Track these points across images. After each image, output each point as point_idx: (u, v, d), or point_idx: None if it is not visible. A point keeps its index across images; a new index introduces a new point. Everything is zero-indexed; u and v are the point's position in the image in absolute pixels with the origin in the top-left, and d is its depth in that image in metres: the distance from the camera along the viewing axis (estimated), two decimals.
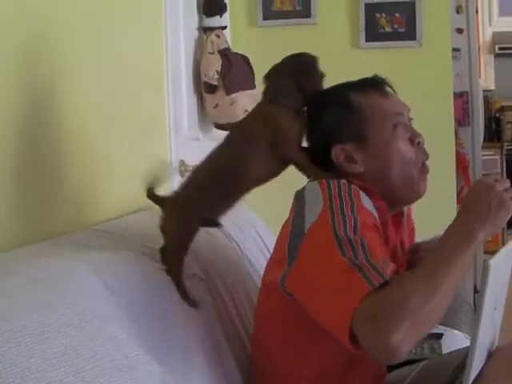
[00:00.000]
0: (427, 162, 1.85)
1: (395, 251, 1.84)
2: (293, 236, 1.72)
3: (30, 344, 1.19)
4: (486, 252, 5.52)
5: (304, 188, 1.78)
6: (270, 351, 1.82)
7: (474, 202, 1.59)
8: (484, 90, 6.64)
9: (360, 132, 1.80)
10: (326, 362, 1.74)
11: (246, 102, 3.53)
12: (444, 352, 2.24)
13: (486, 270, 1.50)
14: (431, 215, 3.16)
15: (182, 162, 3.27)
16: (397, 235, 1.86)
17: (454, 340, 2.39)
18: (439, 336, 2.33)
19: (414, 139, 1.82)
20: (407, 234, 1.95)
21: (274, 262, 1.82)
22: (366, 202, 1.70)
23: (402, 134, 1.81)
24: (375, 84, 1.85)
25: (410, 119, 1.87)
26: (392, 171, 1.79)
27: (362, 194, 1.70)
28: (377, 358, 1.53)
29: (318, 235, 1.65)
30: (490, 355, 1.72)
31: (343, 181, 1.72)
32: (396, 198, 1.81)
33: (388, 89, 1.87)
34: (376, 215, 1.71)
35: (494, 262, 1.52)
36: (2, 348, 1.15)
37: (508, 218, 1.59)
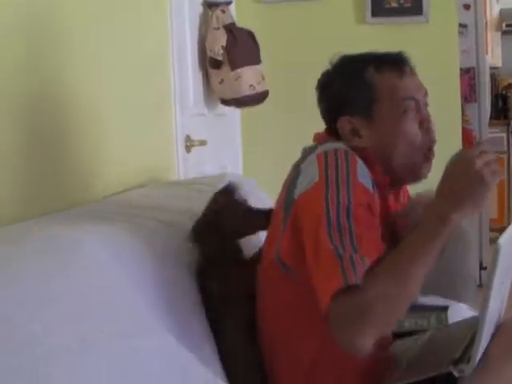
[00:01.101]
0: (434, 148, 1.82)
1: (395, 221, 1.85)
2: (286, 205, 1.74)
3: (35, 309, 1.21)
4: (491, 230, 5.53)
5: (301, 160, 1.78)
6: (273, 333, 1.81)
7: (450, 180, 1.56)
8: (491, 68, 6.60)
9: (369, 109, 1.79)
10: (327, 336, 1.74)
11: (251, 77, 3.53)
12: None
13: (496, 250, 1.50)
14: None
15: (188, 138, 3.28)
16: (396, 205, 1.87)
17: (460, 312, 2.40)
18: (445, 308, 2.34)
19: (424, 123, 1.80)
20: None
21: (269, 239, 1.83)
22: (363, 175, 1.68)
23: (411, 118, 1.78)
24: (395, 63, 1.83)
25: (426, 104, 1.84)
26: (396, 152, 1.77)
27: (360, 163, 1.69)
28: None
29: (308, 206, 1.66)
30: (496, 331, 1.72)
31: (341, 149, 1.71)
32: (396, 178, 1.80)
33: (408, 68, 1.84)
34: (371, 189, 1.69)
35: (504, 241, 1.52)
36: (8, 312, 1.16)
37: (488, 194, 1.54)
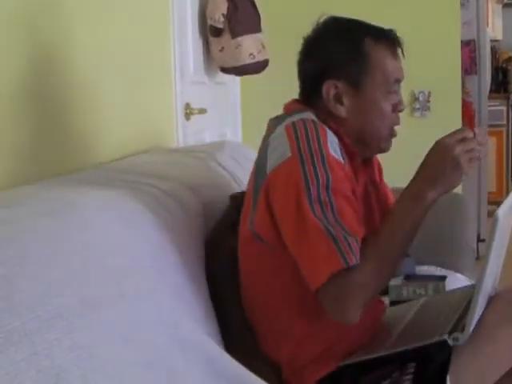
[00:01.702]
0: (396, 128, 1.85)
1: (366, 189, 1.90)
2: (256, 177, 1.75)
3: (36, 270, 1.20)
4: (490, 203, 5.55)
5: (269, 132, 1.78)
6: (253, 300, 1.82)
7: (430, 163, 1.65)
8: (491, 40, 6.58)
9: (358, 79, 1.78)
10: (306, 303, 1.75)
11: (252, 45, 3.52)
12: None
13: (494, 221, 1.53)
14: None
15: (188, 105, 3.27)
16: (366, 174, 1.91)
17: (457, 282, 2.41)
18: (443, 278, 2.35)
19: (398, 107, 1.83)
20: (376, 171, 2.00)
21: (243, 214, 1.83)
22: (333, 146, 1.69)
23: (391, 98, 1.81)
24: (392, 41, 1.83)
25: (400, 87, 1.87)
26: (369, 125, 1.80)
27: (329, 133, 1.70)
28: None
29: (283, 181, 1.66)
30: (491, 300, 1.75)
31: (309, 119, 1.72)
32: (363, 149, 1.82)
33: (400, 50, 1.85)
34: (342, 161, 1.71)
35: (502, 212, 1.55)
36: (8, 273, 1.15)
37: (461, 179, 1.63)
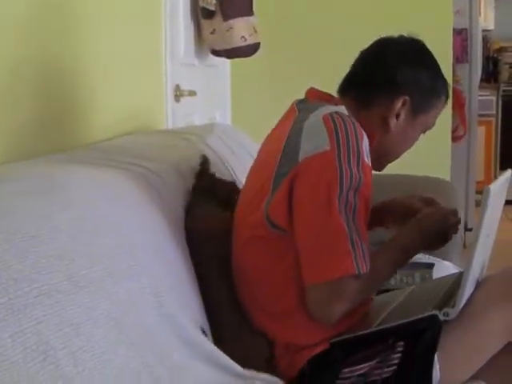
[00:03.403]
0: None
1: None
2: (282, 162, 1.72)
3: (23, 247, 1.18)
4: (478, 192, 5.56)
5: (303, 117, 1.76)
6: (258, 288, 1.81)
7: (427, 225, 1.83)
8: (483, 30, 6.58)
9: (420, 110, 1.88)
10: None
11: (243, 28, 3.49)
12: None
13: (485, 194, 1.56)
14: (426, 152, 3.17)
15: (178, 87, 3.25)
16: None
17: (444, 270, 2.41)
18: (430, 266, 2.35)
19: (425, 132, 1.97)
20: None
21: (254, 191, 1.81)
22: (366, 149, 1.71)
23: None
24: (447, 96, 1.97)
25: None
26: (397, 147, 1.92)
27: (365, 135, 1.72)
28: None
29: (317, 172, 1.66)
30: (479, 283, 1.77)
31: (346, 115, 1.73)
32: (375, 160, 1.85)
33: None
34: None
35: (493, 187, 1.59)
36: None
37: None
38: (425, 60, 1.92)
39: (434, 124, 1.96)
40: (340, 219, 1.62)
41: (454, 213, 1.86)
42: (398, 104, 1.84)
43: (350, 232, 1.62)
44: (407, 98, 1.85)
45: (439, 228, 1.82)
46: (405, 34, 1.92)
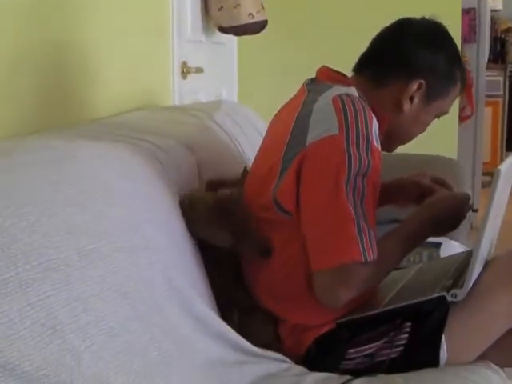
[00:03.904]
0: None
1: None
2: (290, 145, 1.71)
3: (32, 220, 1.17)
4: (484, 173, 5.54)
5: (313, 99, 1.75)
6: (269, 271, 1.80)
7: (439, 211, 1.79)
8: (491, 10, 6.54)
9: (435, 95, 1.86)
10: None
11: (251, 5, 3.47)
12: None
13: (496, 175, 1.55)
14: (433, 132, 3.14)
15: (184, 64, 3.24)
16: None
17: (452, 249, 2.40)
18: (438, 245, 2.35)
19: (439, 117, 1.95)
20: None
21: (260, 178, 1.79)
22: (375, 132, 1.70)
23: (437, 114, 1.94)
24: (464, 87, 1.97)
25: None
26: (409, 131, 1.90)
27: (374, 118, 1.70)
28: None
29: (324, 156, 1.65)
30: (487, 263, 1.76)
31: (356, 98, 1.71)
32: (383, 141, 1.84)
33: None
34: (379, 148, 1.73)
35: (504, 168, 1.57)
36: (4, 223, 1.13)
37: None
38: (444, 45, 1.88)
39: (448, 111, 1.94)
40: (347, 204, 1.61)
41: (467, 198, 1.84)
42: (413, 87, 1.82)
43: (357, 218, 1.61)
44: (423, 81, 1.82)
45: (451, 214, 1.79)
46: (426, 17, 1.89)
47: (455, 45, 1.91)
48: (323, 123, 1.67)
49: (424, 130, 1.93)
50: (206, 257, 1.77)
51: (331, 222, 1.63)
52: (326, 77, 1.86)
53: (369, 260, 1.61)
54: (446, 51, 1.87)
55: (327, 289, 1.65)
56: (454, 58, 1.89)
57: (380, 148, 1.72)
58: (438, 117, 1.93)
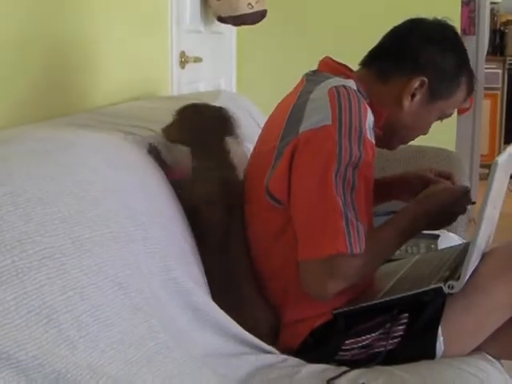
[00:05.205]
0: None
1: None
2: (285, 133, 1.71)
3: (28, 209, 1.17)
4: (482, 166, 5.53)
5: (310, 89, 1.75)
6: (263, 261, 1.80)
7: (433, 205, 1.77)
8: (490, 2, 6.52)
9: (438, 95, 1.83)
10: None
11: None
12: None
13: (493, 166, 1.55)
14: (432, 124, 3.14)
15: (183, 54, 3.23)
16: None
17: (449, 241, 2.41)
18: (435, 236, 2.35)
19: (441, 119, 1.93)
20: None
21: (257, 166, 1.80)
22: (370, 126, 1.69)
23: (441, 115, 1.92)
24: (472, 92, 1.92)
25: None
26: (410, 130, 1.88)
27: (369, 111, 1.69)
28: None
29: (315, 146, 1.64)
30: (485, 255, 1.76)
31: (353, 90, 1.70)
32: (383, 139, 1.83)
33: None
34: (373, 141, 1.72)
35: (501, 160, 1.57)
36: (0, 210, 1.13)
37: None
38: (452, 47, 1.86)
39: (450, 114, 1.92)
40: (335, 195, 1.60)
41: (465, 191, 1.82)
42: (415, 84, 1.81)
43: (345, 209, 1.60)
44: (425, 79, 1.81)
45: (445, 208, 1.78)
46: (439, 18, 1.87)
47: (465, 50, 1.88)
48: (317, 113, 1.67)
49: (425, 132, 1.91)
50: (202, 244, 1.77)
51: (319, 212, 1.63)
52: (328, 68, 1.85)
53: (355, 252, 1.60)
54: (453, 53, 1.85)
55: (312, 280, 1.65)
56: (461, 62, 1.86)
57: (374, 142, 1.72)
58: (441, 119, 1.91)
